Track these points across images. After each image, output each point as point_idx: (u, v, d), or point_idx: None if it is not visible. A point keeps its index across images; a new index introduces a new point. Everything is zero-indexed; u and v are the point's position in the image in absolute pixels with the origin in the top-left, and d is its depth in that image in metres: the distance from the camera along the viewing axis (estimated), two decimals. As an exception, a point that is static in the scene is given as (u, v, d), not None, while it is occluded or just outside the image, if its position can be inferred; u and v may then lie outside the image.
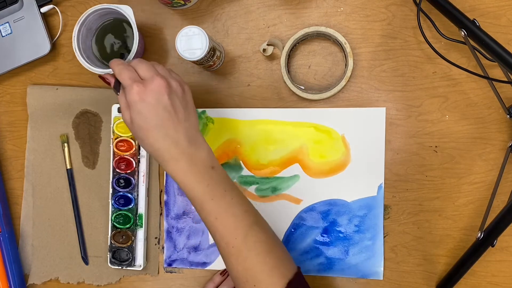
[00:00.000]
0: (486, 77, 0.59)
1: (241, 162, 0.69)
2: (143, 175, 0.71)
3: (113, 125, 0.70)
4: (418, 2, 0.63)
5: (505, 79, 0.61)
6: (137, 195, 0.71)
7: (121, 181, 0.70)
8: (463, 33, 0.59)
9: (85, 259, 0.72)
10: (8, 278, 0.71)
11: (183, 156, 0.52)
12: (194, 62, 0.63)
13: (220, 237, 0.53)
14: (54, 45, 0.74)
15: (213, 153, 0.55)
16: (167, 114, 0.52)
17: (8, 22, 0.72)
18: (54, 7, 0.72)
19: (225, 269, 0.69)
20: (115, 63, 0.54)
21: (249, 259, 0.52)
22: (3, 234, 0.72)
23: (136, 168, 0.70)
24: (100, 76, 0.57)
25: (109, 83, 0.56)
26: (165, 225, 0.71)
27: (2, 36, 0.73)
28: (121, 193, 0.70)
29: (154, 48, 0.72)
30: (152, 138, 0.52)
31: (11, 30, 0.72)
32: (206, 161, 0.54)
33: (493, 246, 0.60)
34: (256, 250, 0.52)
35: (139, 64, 0.54)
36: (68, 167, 0.73)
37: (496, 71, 0.65)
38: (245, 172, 0.69)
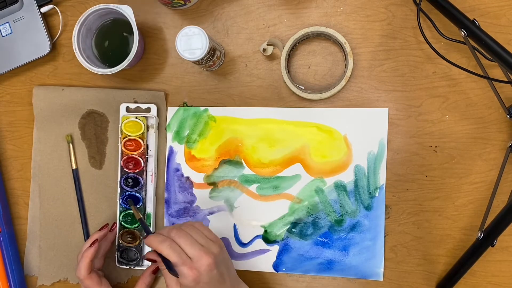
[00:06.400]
0: (486, 77, 0.59)
1: (242, 160, 0.69)
2: (151, 175, 0.71)
3: (121, 124, 0.70)
4: (418, 2, 0.63)
5: (505, 79, 0.61)
6: (145, 194, 0.71)
7: (129, 180, 0.70)
8: (463, 33, 0.59)
9: None
10: (8, 278, 0.71)
11: None
12: (194, 62, 0.63)
13: None
14: (54, 45, 0.74)
15: None
16: (218, 284, 0.56)
17: (8, 22, 0.72)
18: (54, 7, 0.72)
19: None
20: (156, 241, 0.55)
21: None
22: (3, 234, 0.72)
23: (144, 168, 0.70)
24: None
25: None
26: (165, 222, 0.71)
27: (2, 36, 0.73)
28: (129, 192, 0.70)
29: (154, 48, 0.72)
30: None
31: (11, 30, 0.72)
32: None
33: (493, 246, 0.60)
34: None
35: (180, 239, 0.55)
36: (74, 167, 0.73)
37: (496, 71, 0.65)
38: (247, 170, 0.69)
